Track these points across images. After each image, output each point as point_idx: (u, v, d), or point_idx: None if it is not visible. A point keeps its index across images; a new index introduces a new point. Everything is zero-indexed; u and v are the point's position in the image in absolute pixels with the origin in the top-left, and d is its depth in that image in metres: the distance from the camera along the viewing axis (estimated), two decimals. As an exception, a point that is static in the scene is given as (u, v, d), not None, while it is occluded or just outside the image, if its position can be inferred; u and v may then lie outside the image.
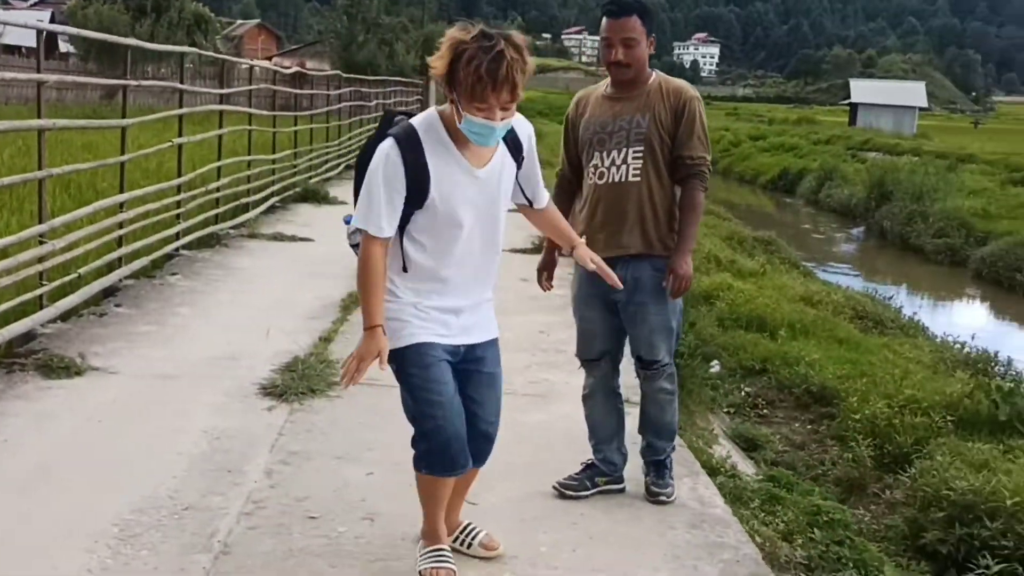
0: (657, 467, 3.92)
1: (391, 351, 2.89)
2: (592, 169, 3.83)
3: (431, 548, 3.10)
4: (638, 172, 3.76)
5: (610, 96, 3.86)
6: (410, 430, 2.95)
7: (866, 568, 3.56)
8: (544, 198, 3.26)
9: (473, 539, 3.28)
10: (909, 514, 4.67)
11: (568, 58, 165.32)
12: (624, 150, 3.76)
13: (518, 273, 6.92)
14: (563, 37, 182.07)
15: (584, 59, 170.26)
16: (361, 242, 2.91)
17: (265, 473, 3.93)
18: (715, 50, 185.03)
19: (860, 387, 6.25)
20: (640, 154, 3.75)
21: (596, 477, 3.90)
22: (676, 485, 3.93)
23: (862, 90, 57.44)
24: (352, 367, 2.82)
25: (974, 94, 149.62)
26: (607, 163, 3.79)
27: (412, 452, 2.98)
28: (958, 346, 8.97)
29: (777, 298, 9.26)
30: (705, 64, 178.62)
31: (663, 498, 3.85)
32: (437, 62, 2.73)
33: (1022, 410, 5.68)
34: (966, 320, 13.51)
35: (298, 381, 4.97)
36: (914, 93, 56.07)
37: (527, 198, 3.20)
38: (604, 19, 3.76)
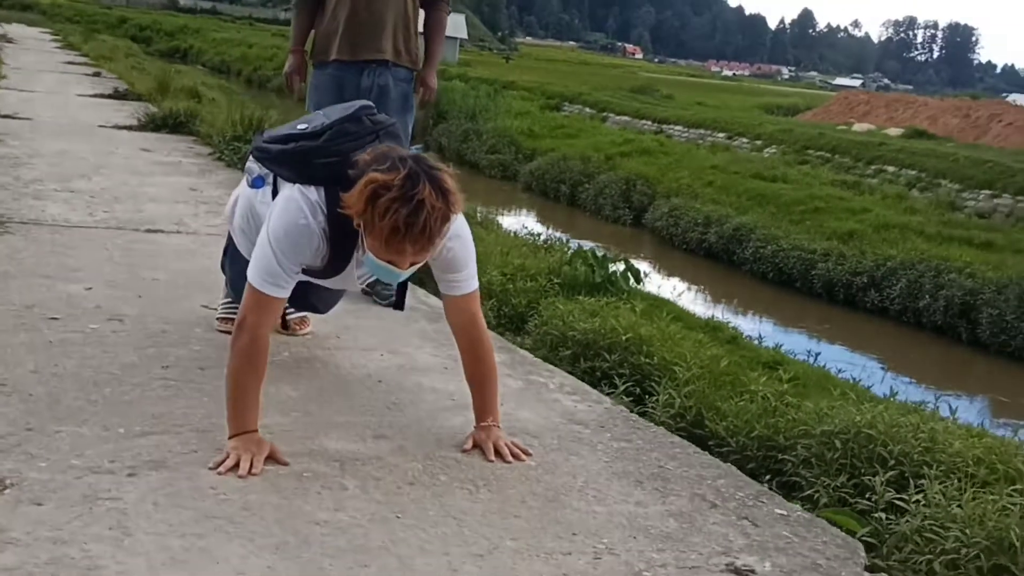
0: None
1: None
2: None
3: None
4: None
5: None
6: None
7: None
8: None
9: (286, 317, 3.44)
10: (540, 355, 5.21)
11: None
12: None
13: (138, 145, 6.62)
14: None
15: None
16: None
17: (-33, 290, 3.59)
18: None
19: (472, 260, 6.73)
20: None
21: None
22: None
23: (407, 19, 59.33)
24: (244, 466, 2.41)
25: (500, 34, 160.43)
26: None
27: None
28: (532, 237, 9.94)
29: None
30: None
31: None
32: (353, 201, 2.33)
33: (612, 274, 6.48)
34: (526, 223, 14.85)
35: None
36: (457, 25, 58.93)
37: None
38: None
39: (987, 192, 17.79)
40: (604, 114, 28.37)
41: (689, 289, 13.24)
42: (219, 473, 2.38)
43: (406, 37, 4.10)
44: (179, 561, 1.99)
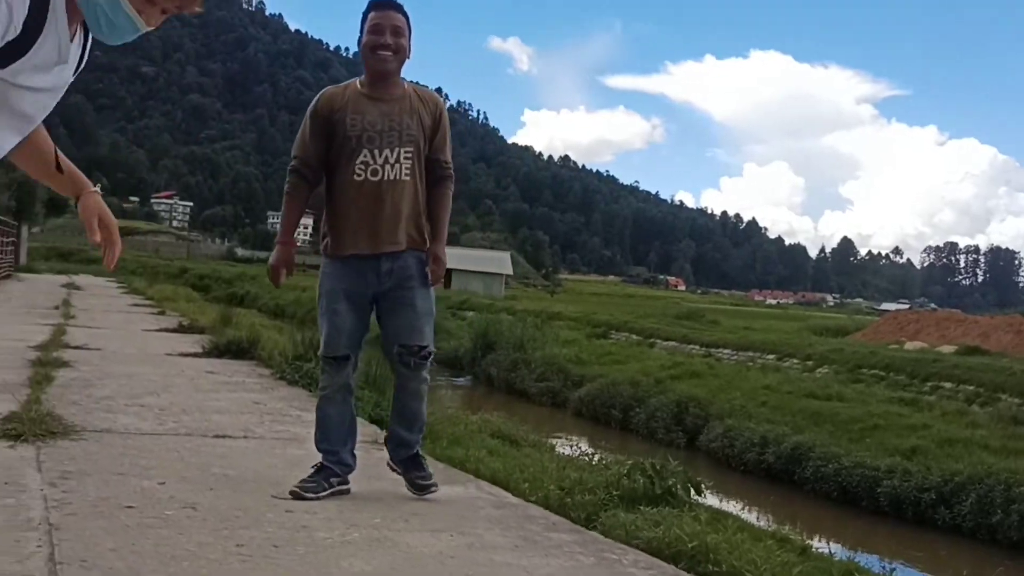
0: (414, 461, 4.12)
1: None
2: (361, 166, 4.00)
3: None
4: (409, 171, 4.04)
5: (371, 96, 4.06)
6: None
7: None
8: None
9: None
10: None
11: (159, 222, 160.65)
12: (397, 149, 4.00)
13: (202, 368, 6.74)
14: (153, 201, 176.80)
15: (175, 223, 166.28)
16: None
17: (49, 484, 3.69)
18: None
19: (528, 476, 6.60)
20: (410, 154, 4.03)
21: (331, 478, 3.94)
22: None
23: (456, 257, 61.46)
24: None
25: (544, 271, 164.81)
26: (380, 160, 3.99)
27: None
28: (587, 456, 9.79)
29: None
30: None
31: (434, 488, 4.10)
32: None
33: (673, 486, 6.30)
34: (579, 446, 14.65)
35: (29, 426, 4.58)
36: (502, 262, 61.09)
37: None
38: (373, 12, 4.02)
39: (1050, 405, 17.38)
40: (651, 340, 28.56)
41: (750, 511, 12.82)
42: None
43: (418, 224, 4.13)
44: None
